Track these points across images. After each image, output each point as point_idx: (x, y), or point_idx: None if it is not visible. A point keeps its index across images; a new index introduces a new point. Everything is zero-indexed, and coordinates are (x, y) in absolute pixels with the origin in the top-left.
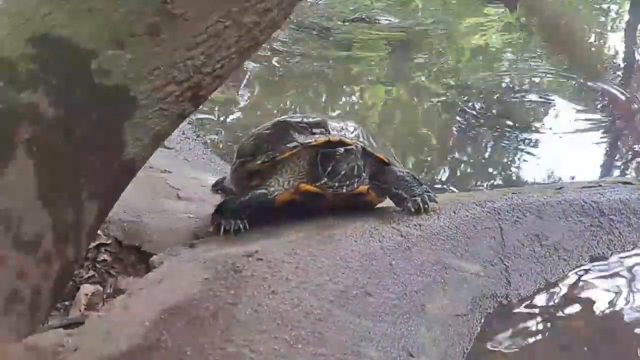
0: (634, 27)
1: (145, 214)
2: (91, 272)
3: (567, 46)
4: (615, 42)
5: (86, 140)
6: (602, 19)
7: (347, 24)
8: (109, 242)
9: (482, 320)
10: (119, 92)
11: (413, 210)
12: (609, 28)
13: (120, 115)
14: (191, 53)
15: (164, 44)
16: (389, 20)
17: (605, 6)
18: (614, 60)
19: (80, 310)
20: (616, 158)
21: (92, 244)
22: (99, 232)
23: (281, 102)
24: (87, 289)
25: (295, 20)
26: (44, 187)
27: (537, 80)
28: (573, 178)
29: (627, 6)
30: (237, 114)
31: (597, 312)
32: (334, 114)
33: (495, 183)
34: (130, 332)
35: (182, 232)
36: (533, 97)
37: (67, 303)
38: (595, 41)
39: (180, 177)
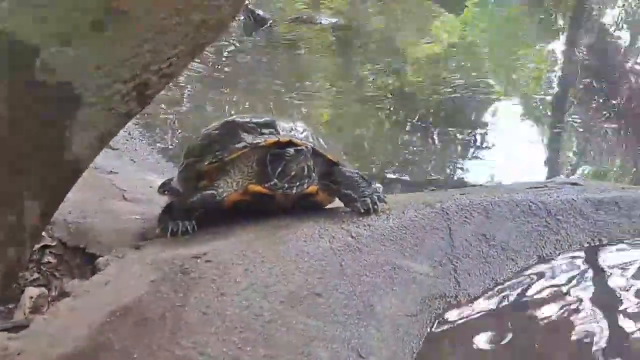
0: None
1: (91, 215)
2: (36, 275)
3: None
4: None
5: (29, 139)
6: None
7: (289, 23)
8: (53, 243)
9: (432, 321)
10: (63, 90)
11: (362, 210)
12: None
13: (64, 113)
14: (137, 50)
15: (109, 40)
16: (329, 20)
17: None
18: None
19: (25, 314)
20: (563, 158)
21: (37, 246)
22: (43, 233)
23: (229, 101)
24: (31, 291)
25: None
26: None
27: (481, 81)
28: (521, 179)
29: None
30: (184, 114)
31: (544, 311)
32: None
33: (443, 184)
34: (76, 335)
35: (128, 234)
36: (479, 97)
37: (11, 306)
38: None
39: (126, 178)
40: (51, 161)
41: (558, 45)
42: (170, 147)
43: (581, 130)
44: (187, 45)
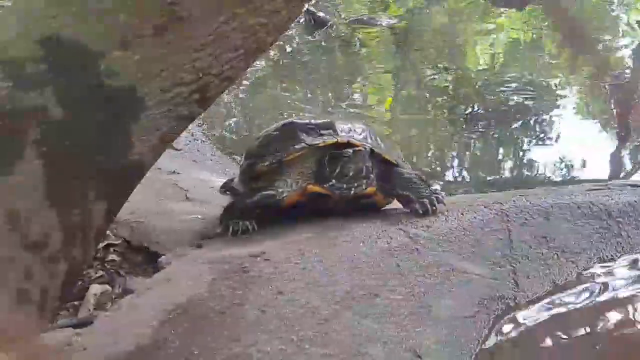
0: None
1: (153, 214)
2: (100, 272)
3: (577, 46)
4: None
5: (94, 141)
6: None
7: (349, 24)
8: (117, 242)
9: (490, 322)
10: (127, 93)
11: (421, 211)
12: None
13: (127, 116)
14: (198, 55)
15: (170, 45)
16: (389, 22)
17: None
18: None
19: (89, 310)
20: (624, 160)
21: (101, 245)
22: (108, 232)
23: (289, 101)
24: (95, 289)
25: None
26: (52, 188)
27: (544, 81)
28: (581, 180)
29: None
30: (245, 115)
31: (605, 315)
32: (341, 115)
33: (503, 185)
34: (138, 332)
35: (189, 233)
36: (539, 96)
37: (76, 303)
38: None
39: (188, 178)
40: (115, 163)
41: (624, 43)
42: (231, 147)
43: None
44: (247, 49)
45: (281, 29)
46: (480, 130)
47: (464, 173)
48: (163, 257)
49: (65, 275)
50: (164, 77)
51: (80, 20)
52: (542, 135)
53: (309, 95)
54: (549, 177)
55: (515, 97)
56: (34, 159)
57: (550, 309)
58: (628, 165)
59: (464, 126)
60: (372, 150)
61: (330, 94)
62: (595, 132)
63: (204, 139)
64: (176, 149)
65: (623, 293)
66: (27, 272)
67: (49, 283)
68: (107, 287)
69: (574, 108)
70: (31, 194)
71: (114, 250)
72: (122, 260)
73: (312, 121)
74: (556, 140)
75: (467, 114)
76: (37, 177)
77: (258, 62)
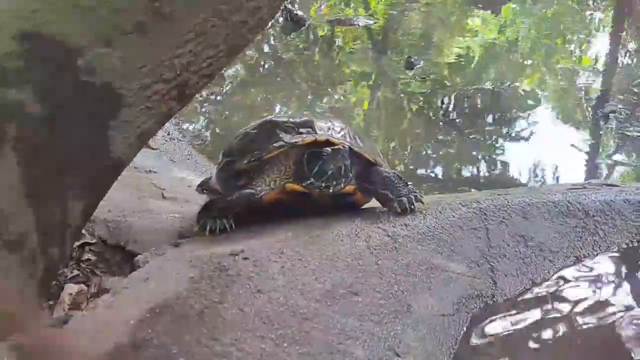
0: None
1: (130, 213)
2: (75, 272)
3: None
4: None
5: (72, 139)
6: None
7: (327, 24)
8: (93, 241)
9: (469, 320)
10: (106, 90)
11: (399, 210)
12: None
13: (106, 113)
14: (179, 51)
15: (151, 42)
16: (366, 22)
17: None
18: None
19: (65, 310)
20: (601, 161)
21: (77, 243)
22: (83, 231)
23: (267, 100)
24: (71, 288)
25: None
26: (30, 186)
27: (518, 80)
28: (558, 180)
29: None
30: (223, 113)
31: (582, 313)
32: (321, 112)
33: (481, 184)
34: (115, 331)
35: (167, 232)
36: (515, 97)
37: (51, 302)
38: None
39: (165, 177)
40: (93, 160)
41: (598, 44)
42: (208, 146)
43: (619, 131)
44: (227, 46)
45: (261, 26)
46: (455, 128)
47: (443, 173)
48: (140, 256)
49: (42, 274)
50: (144, 74)
51: (60, 16)
52: (518, 136)
53: (288, 94)
54: (526, 177)
55: (490, 97)
56: (11, 157)
57: (528, 306)
58: (605, 166)
59: (441, 125)
60: (350, 149)
61: (308, 93)
62: (572, 133)
63: (180, 138)
64: (153, 148)
65: (596, 291)
66: (5, 272)
67: (25, 282)
68: (83, 286)
69: (549, 109)
70: (8, 193)
71: (90, 250)
72: (99, 259)
73: (291, 119)
74: (533, 141)
75: (444, 113)
76: (15, 176)
77: (236, 60)
